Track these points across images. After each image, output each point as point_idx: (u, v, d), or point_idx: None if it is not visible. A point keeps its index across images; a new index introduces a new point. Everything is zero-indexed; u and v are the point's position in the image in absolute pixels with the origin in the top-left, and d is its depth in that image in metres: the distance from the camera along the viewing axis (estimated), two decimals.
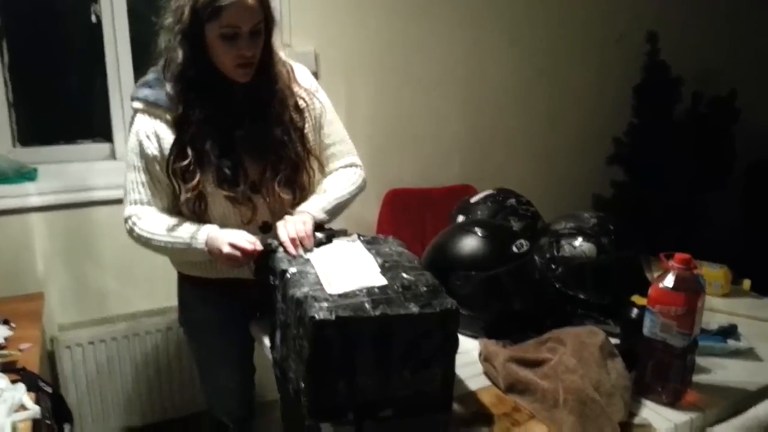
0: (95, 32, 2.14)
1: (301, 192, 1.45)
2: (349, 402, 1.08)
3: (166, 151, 1.36)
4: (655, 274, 1.67)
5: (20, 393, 1.32)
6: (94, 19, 2.13)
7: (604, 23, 2.83)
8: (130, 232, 1.41)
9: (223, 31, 1.26)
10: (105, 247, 2.17)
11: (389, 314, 1.07)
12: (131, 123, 1.41)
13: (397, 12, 2.46)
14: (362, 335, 1.07)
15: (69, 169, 2.18)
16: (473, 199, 1.88)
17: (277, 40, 1.39)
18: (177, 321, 1.68)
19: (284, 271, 1.23)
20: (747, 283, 1.81)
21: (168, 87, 1.34)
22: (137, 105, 1.38)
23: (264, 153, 1.39)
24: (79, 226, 2.14)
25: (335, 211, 1.46)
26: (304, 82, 1.47)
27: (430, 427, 1.15)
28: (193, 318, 1.61)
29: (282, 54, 1.43)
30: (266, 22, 1.31)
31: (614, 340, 1.36)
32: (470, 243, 1.52)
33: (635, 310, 1.36)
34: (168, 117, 1.35)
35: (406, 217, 2.52)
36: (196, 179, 1.34)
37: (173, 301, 1.65)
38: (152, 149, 1.36)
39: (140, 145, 1.37)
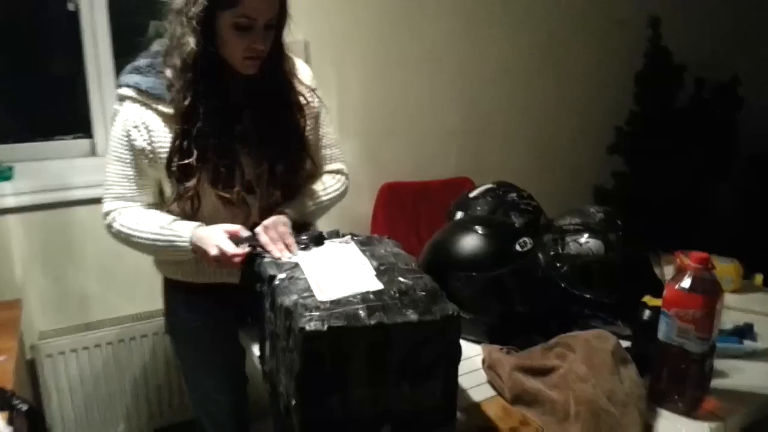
0: (73, 22, 2.04)
1: (294, 193, 1.40)
2: (344, 419, 1.01)
3: (157, 145, 1.27)
4: (664, 270, 1.61)
5: None
6: (71, 7, 2.02)
7: (605, 8, 2.74)
8: (109, 227, 1.33)
9: (239, 20, 1.19)
10: (86, 249, 2.07)
11: (386, 323, 0.99)
12: (115, 111, 1.31)
13: None
14: (357, 346, 1.00)
15: (47, 167, 2.09)
16: (472, 194, 1.80)
17: (287, 36, 1.32)
18: (163, 326, 1.59)
19: (272, 277, 1.15)
20: (759, 278, 1.73)
21: (170, 75, 1.25)
22: (127, 92, 1.28)
23: (261, 151, 1.32)
24: (58, 228, 2.05)
25: (313, 216, 1.43)
26: (305, 79, 1.41)
27: None
28: (179, 325, 1.51)
29: None
30: (280, 16, 1.25)
31: (624, 343, 1.28)
32: (470, 242, 1.44)
33: (647, 312, 1.28)
34: (162, 108, 1.26)
35: (402, 211, 2.46)
36: (196, 177, 1.26)
37: (159, 305, 1.56)
38: (141, 141, 1.27)
39: (128, 135, 1.28)
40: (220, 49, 1.23)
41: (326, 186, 1.46)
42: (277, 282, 1.13)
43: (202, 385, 1.53)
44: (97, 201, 1.39)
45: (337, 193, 1.48)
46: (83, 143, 2.18)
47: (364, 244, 1.30)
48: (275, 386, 1.14)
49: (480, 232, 1.45)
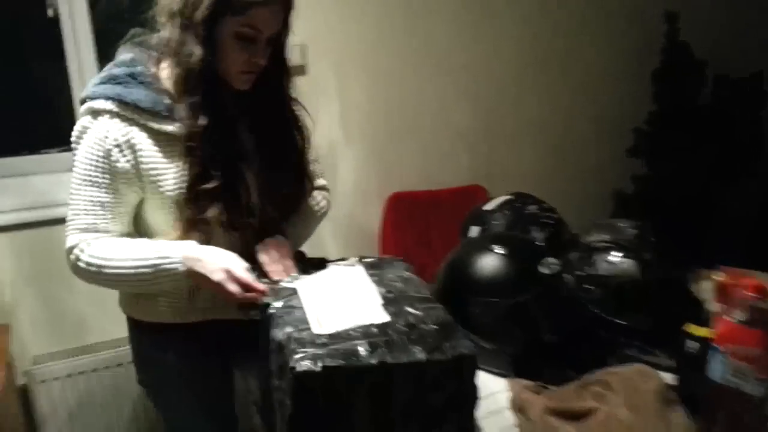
0: (54, 30, 1.92)
1: (291, 212, 1.28)
2: None
3: (146, 166, 1.12)
4: (701, 287, 1.47)
5: None
6: (50, 14, 1.89)
7: (620, 4, 2.60)
8: (75, 264, 1.15)
9: (243, 30, 1.08)
10: None
11: (389, 362, 0.90)
12: (84, 128, 1.13)
13: None
14: (356, 388, 0.90)
15: (32, 183, 1.97)
16: (487, 207, 1.67)
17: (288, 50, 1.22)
18: None
19: (266, 306, 1.06)
20: None
21: (167, 87, 1.12)
22: (103, 105, 1.11)
23: (263, 170, 1.21)
24: (46, 247, 1.91)
25: (306, 237, 1.36)
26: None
27: None
28: (155, 376, 1.32)
29: None
30: (282, 30, 1.15)
31: (663, 373, 1.15)
32: (489, 264, 1.32)
33: (693, 344, 1.14)
34: (152, 124, 1.11)
35: (411, 222, 2.33)
36: (215, 208, 1.12)
37: None
38: (124, 162, 1.11)
39: (107, 156, 1.11)
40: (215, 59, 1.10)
41: (318, 203, 1.38)
42: (271, 311, 1.04)
43: None
44: None
45: (324, 211, 1.41)
46: (70, 156, 2.04)
47: (373, 267, 1.20)
48: (272, 430, 1.03)
49: (499, 252, 1.32)
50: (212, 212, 1.12)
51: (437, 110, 2.42)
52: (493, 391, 1.21)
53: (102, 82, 1.13)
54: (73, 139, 1.16)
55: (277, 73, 1.20)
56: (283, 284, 1.12)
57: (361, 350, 0.90)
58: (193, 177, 1.11)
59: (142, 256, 1.11)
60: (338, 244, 2.29)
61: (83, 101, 1.14)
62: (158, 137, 1.13)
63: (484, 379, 1.26)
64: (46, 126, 2.11)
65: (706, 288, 1.45)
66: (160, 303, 1.21)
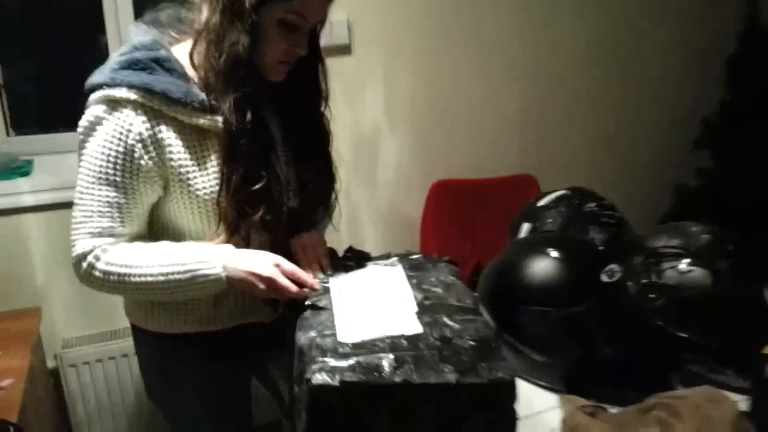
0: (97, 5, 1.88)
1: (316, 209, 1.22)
2: None
3: (176, 164, 1.02)
4: None
5: None
6: None
7: None
8: (89, 272, 1.02)
9: (288, 17, 1.00)
10: None
11: (415, 381, 0.81)
12: (98, 118, 0.99)
13: None
14: (376, 408, 0.82)
15: (68, 161, 1.91)
16: (541, 202, 1.55)
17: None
18: None
19: (304, 305, 1.01)
20: None
21: (205, 77, 1.01)
22: (126, 94, 0.97)
23: (292, 164, 1.14)
24: None
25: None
26: None
27: None
28: (171, 388, 1.21)
29: None
30: (323, 20, 1.10)
31: (732, 395, 1.04)
32: (543, 269, 1.22)
33: None
34: (181, 117, 1.00)
35: (455, 213, 2.23)
36: (261, 209, 1.04)
37: None
38: (147, 160, 1.00)
39: (131, 152, 0.99)
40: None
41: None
42: (302, 311, 0.99)
43: None
44: None
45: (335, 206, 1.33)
46: None
47: (414, 268, 1.12)
48: None
49: (555, 255, 1.22)
50: (259, 214, 1.04)
51: (485, 94, 2.31)
52: (542, 409, 1.12)
53: (122, 68, 1.00)
54: (80, 130, 1.02)
55: (312, 63, 1.12)
56: (316, 286, 1.04)
57: (385, 365, 0.82)
58: (240, 178, 1.02)
59: (173, 261, 1.01)
60: (377, 233, 2.21)
61: (95, 88, 1.00)
62: (188, 131, 1.02)
63: (531, 394, 1.16)
64: (83, 102, 2.07)
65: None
66: (181, 312, 1.11)
